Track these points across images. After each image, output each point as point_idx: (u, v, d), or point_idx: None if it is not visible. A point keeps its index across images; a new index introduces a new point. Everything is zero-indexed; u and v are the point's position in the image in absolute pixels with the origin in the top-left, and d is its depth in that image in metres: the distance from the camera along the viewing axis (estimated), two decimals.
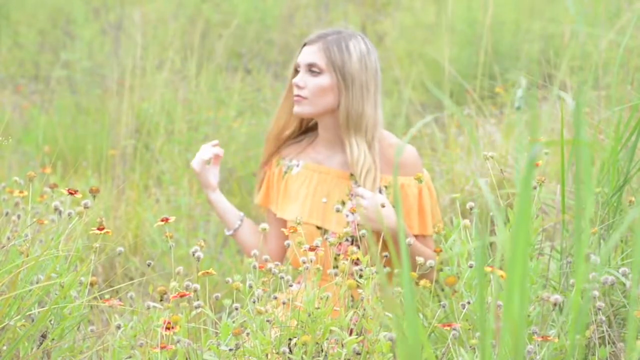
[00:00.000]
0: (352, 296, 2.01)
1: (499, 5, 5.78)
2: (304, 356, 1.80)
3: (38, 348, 1.87)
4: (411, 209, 2.44)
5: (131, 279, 3.36)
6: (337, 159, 2.52)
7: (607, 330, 1.95)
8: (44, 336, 1.88)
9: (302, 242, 2.00)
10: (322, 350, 1.88)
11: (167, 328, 1.72)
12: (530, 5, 6.52)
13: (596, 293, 1.85)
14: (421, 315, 2.06)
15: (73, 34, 6.45)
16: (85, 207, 1.94)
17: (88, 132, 4.66)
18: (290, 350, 1.87)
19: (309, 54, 2.44)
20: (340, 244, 2.39)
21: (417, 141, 4.19)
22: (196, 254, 1.90)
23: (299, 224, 2.09)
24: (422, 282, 1.89)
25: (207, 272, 1.88)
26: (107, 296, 1.88)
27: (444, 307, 1.95)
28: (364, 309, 1.91)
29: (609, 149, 2.20)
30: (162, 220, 1.99)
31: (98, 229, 1.93)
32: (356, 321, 1.94)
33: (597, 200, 2.18)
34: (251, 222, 2.59)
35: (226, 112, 4.25)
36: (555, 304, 1.77)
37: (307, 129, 2.60)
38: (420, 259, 1.98)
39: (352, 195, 2.48)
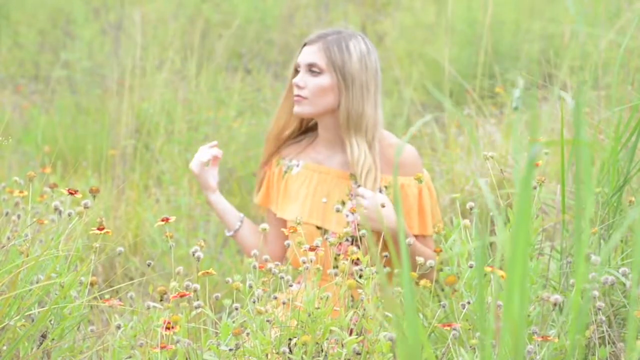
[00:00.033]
0: (352, 296, 2.01)
1: (499, 5, 5.78)
2: (304, 356, 1.80)
3: (38, 348, 1.87)
4: (411, 209, 2.44)
5: (131, 279, 3.35)
6: (337, 159, 2.52)
7: (607, 330, 1.95)
8: (44, 336, 1.88)
9: (302, 242, 2.00)
10: (322, 350, 1.88)
11: (167, 328, 1.72)
12: (530, 5, 6.51)
13: (596, 293, 1.85)
14: (421, 315, 2.06)
15: (73, 34, 6.45)
16: (85, 207, 1.94)
17: (88, 132, 4.66)
18: (290, 350, 1.87)
19: (309, 54, 2.44)
20: (340, 244, 2.39)
21: (417, 141, 4.19)
22: (196, 254, 1.90)
23: (299, 224, 2.09)
24: (422, 282, 1.89)
25: (207, 272, 1.88)
26: (107, 296, 1.88)
27: (444, 307, 1.95)
28: (364, 309, 1.91)
29: (609, 149, 2.20)
30: (162, 220, 1.99)
31: (98, 229, 1.93)
32: (356, 321, 1.94)
33: (597, 200, 2.18)
34: (251, 222, 2.59)
35: (226, 112, 4.25)
36: (555, 304, 1.77)
37: (306, 129, 2.60)
38: (420, 259, 1.98)
39: (352, 195, 2.48)
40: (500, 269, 1.86)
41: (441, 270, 2.11)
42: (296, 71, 2.48)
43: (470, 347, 1.82)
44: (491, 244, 2.44)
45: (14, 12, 6.92)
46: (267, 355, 1.84)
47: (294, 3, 6.76)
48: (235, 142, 4.19)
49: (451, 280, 1.85)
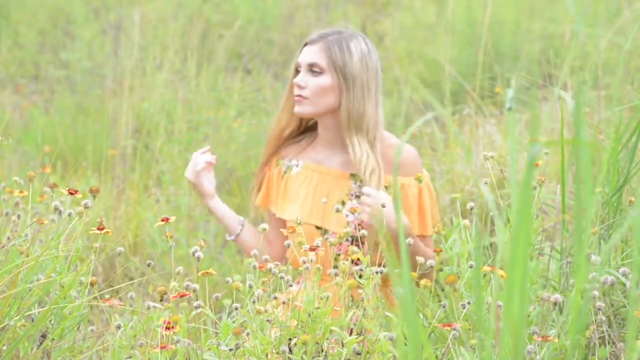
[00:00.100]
0: (352, 296, 2.00)
1: (499, 5, 5.78)
2: (304, 356, 1.80)
3: (38, 348, 1.87)
4: (411, 209, 2.44)
5: (131, 279, 3.36)
6: (336, 158, 2.51)
7: (607, 330, 1.95)
8: (44, 336, 1.88)
9: (302, 242, 2.00)
10: (322, 350, 1.88)
11: (167, 328, 1.72)
12: (530, 5, 6.51)
13: (596, 293, 1.85)
14: (421, 315, 2.06)
15: (73, 34, 6.45)
16: (85, 207, 1.94)
17: (88, 132, 4.66)
18: (290, 350, 1.87)
19: (310, 54, 2.44)
20: (340, 244, 2.39)
21: (417, 141, 4.19)
22: (196, 254, 1.90)
23: (299, 224, 2.09)
24: (423, 281, 1.89)
25: (207, 272, 1.88)
26: (107, 296, 1.88)
27: (444, 307, 1.95)
28: (364, 309, 1.91)
29: (609, 149, 2.20)
30: (162, 220, 1.99)
31: (98, 229, 1.93)
32: (356, 321, 1.94)
33: (597, 200, 2.18)
34: (252, 226, 2.58)
35: (226, 112, 4.25)
36: (555, 304, 1.77)
37: (306, 128, 2.60)
38: (420, 259, 1.98)
39: (352, 195, 2.48)
40: (501, 269, 1.86)
41: (441, 270, 2.11)
42: (297, 71, 2.48)
43: (470, 347, 1.82)
44: (491, 244, 2.44)
45: (14, 12, 6.92)
46: (267, 355, 1.84)
47: (294, 3, 6.76)
48: (235, 142, 4.19)
49: (451, 280, 1.85)
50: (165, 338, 1.72)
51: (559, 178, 3.02)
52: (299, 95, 2.44)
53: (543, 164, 2.73)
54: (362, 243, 2.32)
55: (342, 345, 1.85)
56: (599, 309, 1.84)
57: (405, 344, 1.33)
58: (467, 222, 2.07)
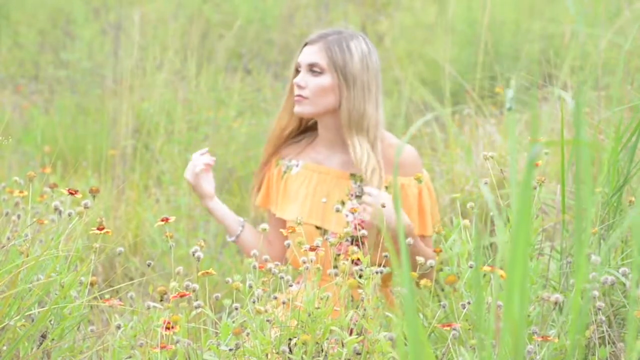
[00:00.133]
0: (352, 296, 2.00)
1: (499, 5, 5.78)
2: (304, 356, 1.80)
3: (38, 348, 1.87)
4: (411, 209, 2.44)
5: (131, 279, 3.36)
6: (336, 158, 2.51)
7: (607, 330, 1.95)
8: (44, 336, 1.88)
9: (302, 242, 2.00)
10: (322, 350, 1.88)
11: (167, 328, 1.72)
12: (530, 5, 6.51)
13: (596, 293, 1.85)
14: (421, 315, 2.06)
15: (73, 34, 6.45)
16: (85, 207, 1.94)
17: (88, 132, 4.66)
18: (290, 350, 1.87)
19: (310, 54, 2.44)
20: (340, 244, 2.39)
21: (417, 141, 4.19)
22: (196, 254, 1.90)
23: (299, 224, 2.09)
24: (423, 281, 1.89)
25: (207, 272, 1.88)
26: (107, 296, 1.88)
27: (444, 307, 1.95)
28: (364, 309, 1.91)
29: (609, 149, 2.20)
30: (162, 220, 1.99)
31: (98, 229, 1.93)
32: (356, 321, 1.94)
33: (597, 200, 2.18)
34: (252, 227, 2.58)
35: (226, 112, 4.25)
36: (555, 304, 1.77)
37: (305, 128, 2.60)
38: (420, 259, 1.98)
39: (351, 195, 2.48)
40: (501, 269, 1.86)
41: (441, 270, 2.11)
42: (297, 71, 2.48)
43: (470, 347, 1.82)
44: (491, 244, 2.44)
45: (14, 12, 6.92)
46: (267, 355, 1.84)
47: (294, 3, 6.76)
48: (235, 142, 4.19)
49: (451, 280, 1.85)
50: (165, 338, 1.72)
51: (559, 178, 3.02)
52: (299, 95, 2.44)
53: (543, 164, 2.73)
54: (362, 243, 2.32)
55: (342, 345, 1.85)
56: (599, 309, 1.84)
57: (405, 344, 1.33)
58: (467, 222, 2.07)
